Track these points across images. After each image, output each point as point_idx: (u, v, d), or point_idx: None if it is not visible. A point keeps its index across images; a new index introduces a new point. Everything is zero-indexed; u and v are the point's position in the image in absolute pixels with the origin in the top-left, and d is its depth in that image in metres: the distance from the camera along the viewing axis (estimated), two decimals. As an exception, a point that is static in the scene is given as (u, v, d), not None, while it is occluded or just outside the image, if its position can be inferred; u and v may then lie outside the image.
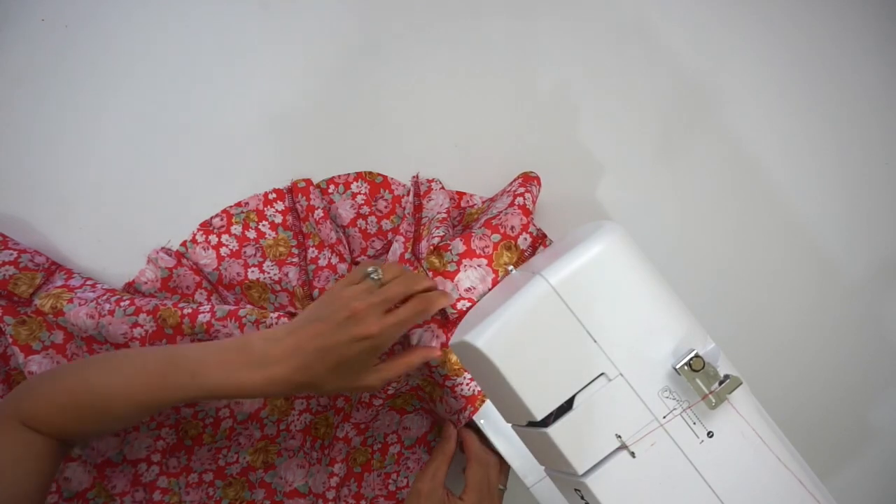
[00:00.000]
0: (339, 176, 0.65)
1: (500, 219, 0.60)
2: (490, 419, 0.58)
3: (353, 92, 0.66)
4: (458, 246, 0.58)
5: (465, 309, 0.57)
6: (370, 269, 0.53)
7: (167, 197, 0.64)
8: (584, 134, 0.69)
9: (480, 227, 0.60)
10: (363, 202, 0.65)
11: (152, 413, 0.52)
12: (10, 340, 0.57)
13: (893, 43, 0.71)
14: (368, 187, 0.66)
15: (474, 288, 0.58)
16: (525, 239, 0.60)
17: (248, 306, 0.59)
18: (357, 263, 0.65)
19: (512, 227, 0.59)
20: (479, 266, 0.58)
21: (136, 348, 0.56)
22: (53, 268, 0.61)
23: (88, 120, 0.63)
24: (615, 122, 0.69)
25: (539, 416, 0.41)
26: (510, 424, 0.48)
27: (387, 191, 0.66)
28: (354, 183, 0.65)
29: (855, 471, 0.72)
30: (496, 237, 0.59)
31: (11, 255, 0.58)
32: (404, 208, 0.65)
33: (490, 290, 0.58)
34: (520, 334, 0.41)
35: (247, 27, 0.65)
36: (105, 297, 0.58)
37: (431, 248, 0.59)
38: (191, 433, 0.62)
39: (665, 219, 0.70)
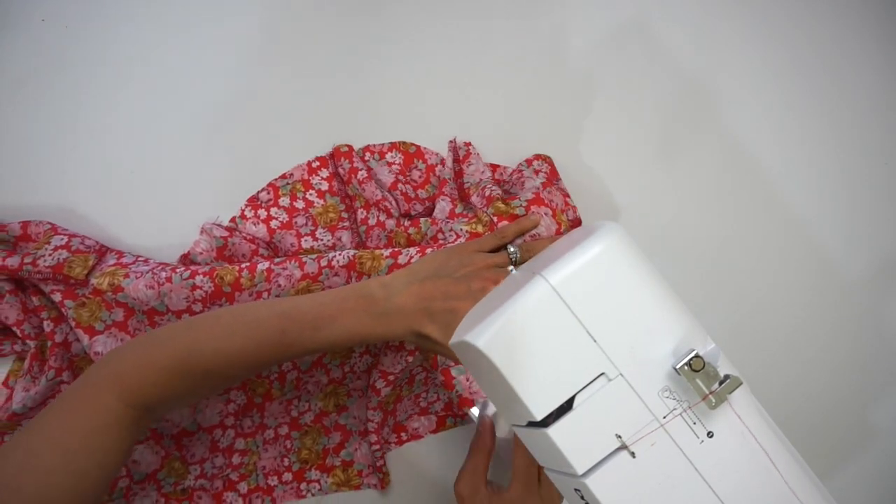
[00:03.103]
0: (374, 145, 0.66)
1: (545, 194, 0.62)
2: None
3: (353, 92, 0.66)
4: (528, 194, 0.61)
5: None
6: (511, 247, 0.54)
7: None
8: (584, 134, 0.69)
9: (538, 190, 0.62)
10: (398, 171, 0.66)
11: (265, 370, 0.50)
12: (74, 324, 0.57)
13: (893, 43, 0.71)
14: (402, 157, 0.66)
15: (538, 235, 0.59)
16: (569, 214, 0.63)
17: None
18: (407, 216, 0.66)
19: (558, 204, 0.62)
20: (546, 214, 0.60)
21: (239, 306, 0.52)
22: (104, 249, 0.60)
23: (89, 119, 0.63)
24: (615, 123, 0.69)
25: (539, 416, 0.41)
26: (510, 424, 0.48)
27: (420, 160, 0.67)
28: (389, 153, 0.66)
29: (855, 471, 0.72)
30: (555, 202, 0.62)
31: (62, 239, 0.58)
32: (438, 177, 0.66)
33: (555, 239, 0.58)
34: (520, 334, 0.41)
35: (247, 28, 0.64)
36: (160, 268, 0.57)
37: (497, 196, 0.61)
38: (259, 391, 0.62)
39: (665, 219, 0.70)
